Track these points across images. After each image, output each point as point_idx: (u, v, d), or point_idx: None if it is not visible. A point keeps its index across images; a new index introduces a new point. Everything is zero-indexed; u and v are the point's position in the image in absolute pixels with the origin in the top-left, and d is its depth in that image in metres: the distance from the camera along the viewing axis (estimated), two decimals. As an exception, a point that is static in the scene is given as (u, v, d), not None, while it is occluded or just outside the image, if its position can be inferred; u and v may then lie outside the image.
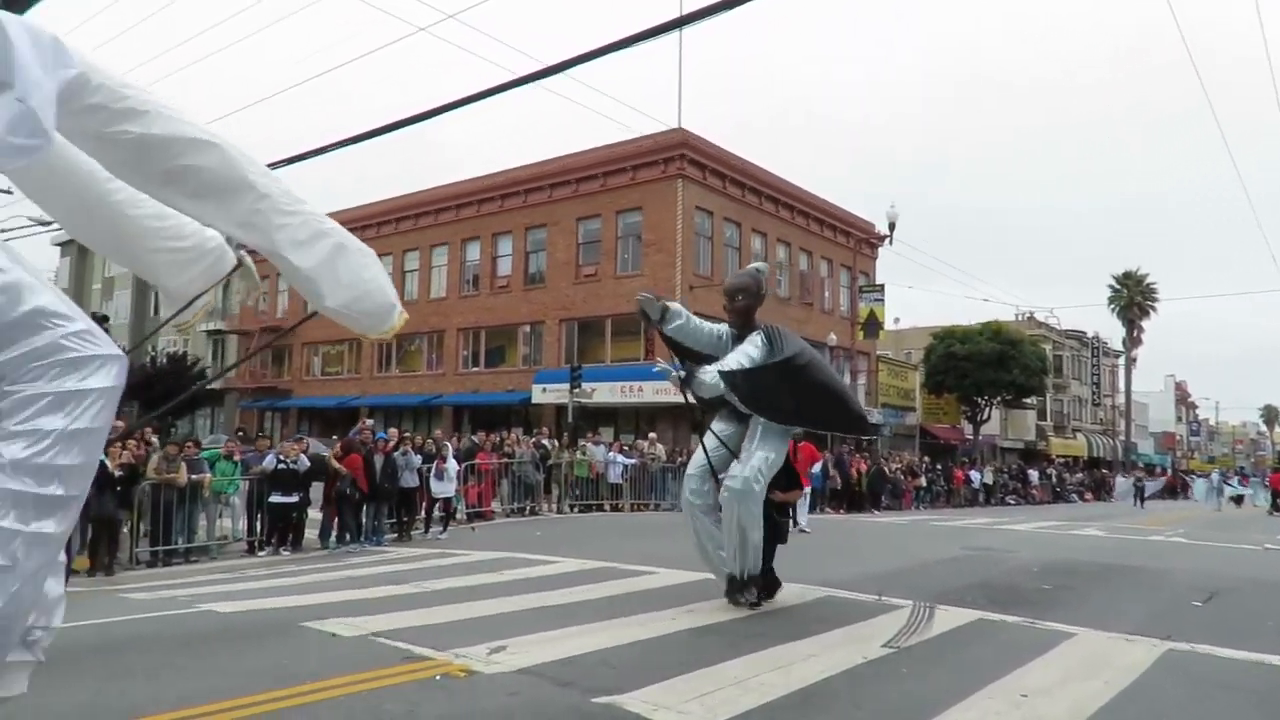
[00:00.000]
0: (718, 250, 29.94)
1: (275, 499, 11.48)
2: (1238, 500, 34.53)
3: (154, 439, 11.78)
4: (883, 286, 36.31)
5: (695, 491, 6.92)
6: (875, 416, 35.31)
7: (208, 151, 3.00)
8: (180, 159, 2.94)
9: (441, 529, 13.51)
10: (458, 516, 14.72)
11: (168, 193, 3.14)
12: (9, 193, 21.30)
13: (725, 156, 30.23)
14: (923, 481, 27.74)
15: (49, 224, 20.07)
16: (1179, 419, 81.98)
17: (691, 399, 6.77)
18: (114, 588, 8.65)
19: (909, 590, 7.62)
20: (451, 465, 13.82)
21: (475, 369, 34.33)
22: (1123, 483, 36.97)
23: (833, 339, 31.89)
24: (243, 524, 12.01)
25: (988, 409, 41.34)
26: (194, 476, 11.00)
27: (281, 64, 43.29)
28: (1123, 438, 55.17)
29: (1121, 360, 55.68)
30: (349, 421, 26.10)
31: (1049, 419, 53.10)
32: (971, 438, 41.92)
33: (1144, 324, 51.42)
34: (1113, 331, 55.17)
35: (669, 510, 17.66)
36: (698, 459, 6.98)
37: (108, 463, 9.61)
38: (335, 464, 11.93)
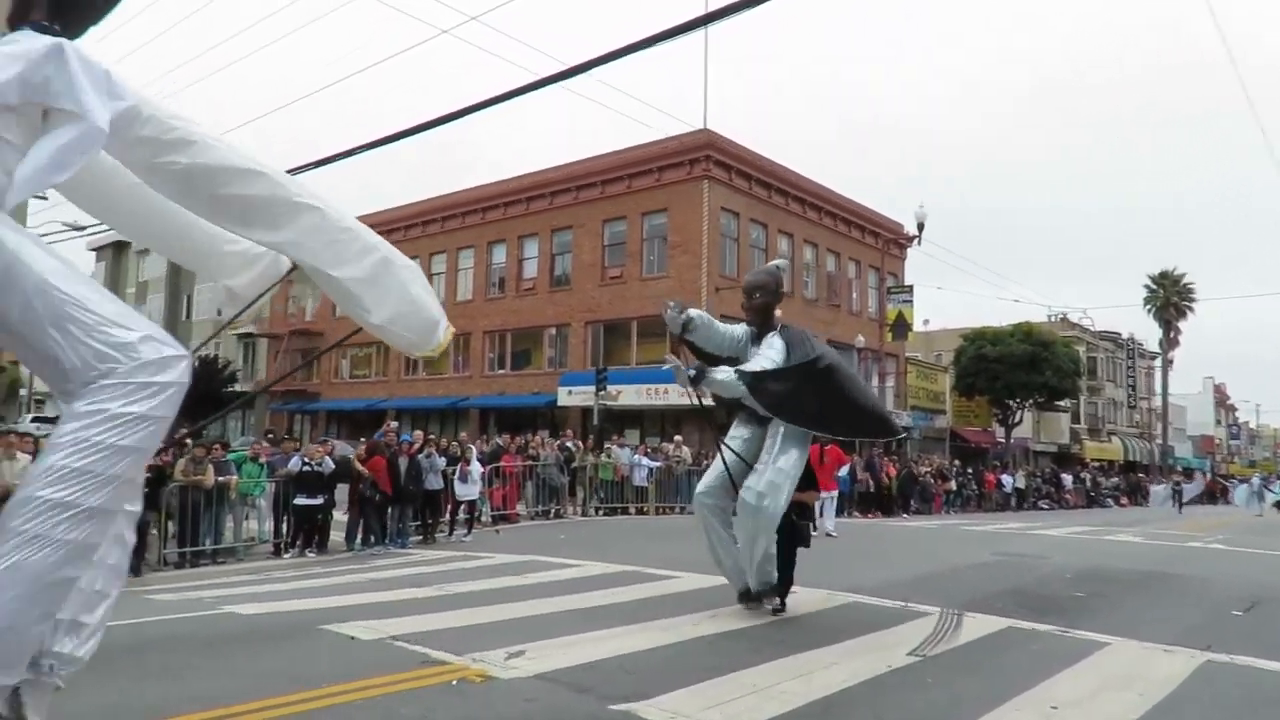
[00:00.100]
0: (744, 252, 29.79)
1: (300, 501, 11.55)
2: (1280, 505, 33.74)
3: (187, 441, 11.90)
4: (911, 288, 35.96)
5: (708, 492, 6.82)
6: (904, 419, 34.94)
7: (254, 180, 3.14)
8: (227, 187, 3.10)
9: (465, 531, 13.53)
10: (482, 519, 14.73)
11: (218, 219, 3.33)
12: (44, 198, 21.73)
13: (751, 157, 30.08)
14: (952, 485, 27.37)
15: (83, 228, 20.43)
16: (1218, 422, 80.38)
17: (702, 400, 6.69)
18: (141, 589, 8.71)
19: (936, 597, 7.48)
20: (475, 468, 13.85)
21: (501, 371, 34.44)
22: (1159, 490, 36.23)
23: (860, 341, 31.58)
24: (269, 526, 12.10)
25: (1019, 412, 40.75)
26: (221, 478, 11.10)
27: (304, 69, 43.82)
28: (1160, 441, 54.17)
29: (1158, 362, 54.69)
30: (376, 424, 26.23)
31: (1083, 422, 52.25)
32: (1003, 441, 41.35)
33: (1181, 325, 50.51)
34: (1148, 333, 54.27)
35: (694, 514, 17.54)
36: (716, 466, 6.90)
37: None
38: (359, 466, 11.98)
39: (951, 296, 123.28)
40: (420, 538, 12.89)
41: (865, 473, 22.22)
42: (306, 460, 11.77)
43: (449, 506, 13.72)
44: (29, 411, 39.90)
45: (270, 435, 17.33)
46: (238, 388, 41.54)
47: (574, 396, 28.98)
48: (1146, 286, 50.79)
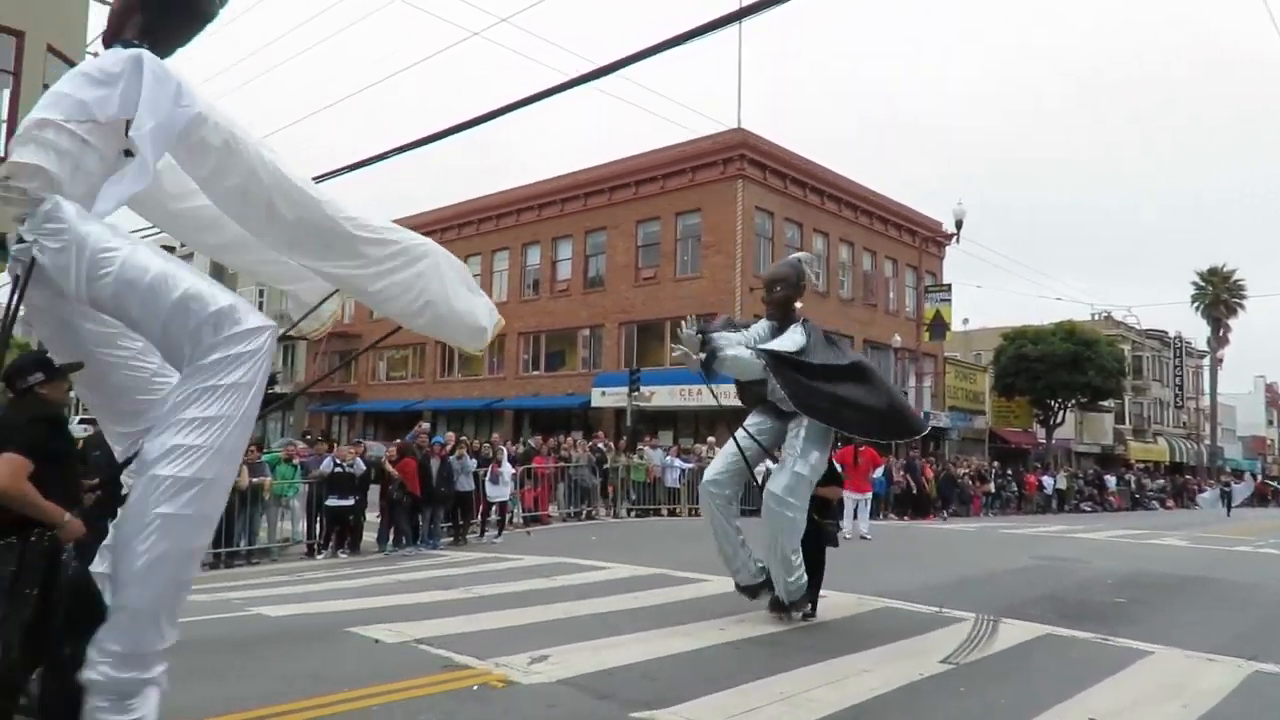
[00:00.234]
0: (778, 251, 29.50)
1: (331, 502, 11.63)
2: (1334, 508, 32.67)
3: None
4: (949, 286, 35.39)
5: (716, 481, 6.69)
6: (942, 420, 34.42)
7: (305, 204, 3.36)
8: (277, 209, 3.33)
9: (496, 533, 13.55)
10: (513, 520, 14.74)
11: (263, 238, 3.56)
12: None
13: (785, 155, 29.82)
14: (991, 487, 26.87)
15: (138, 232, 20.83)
16: (1269, 422, 78.08)
17: (718, 397, 6.59)
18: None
19: (972, 602, 7.31)
20: (506, 469, 13.86)
21: (535, 372, 34.56)
22: (1206, 496, 35.18)
23: (897, 340, 31.16)
24: (302, 526, 12.21)
25: (1061, 412, 39.94)
26: (255, 480, 11.21)
27: (337, 72, 44.37)
28: (1208, 442, 52.77)
29: (1206, 360, 53.28)
30: (412, 425, 26.41)
31: (1128, 422, 51.05)
32: (1044, 442, 40.57)
33: (1231, 322, 49.14)
34: (1196, 330, 52.87)
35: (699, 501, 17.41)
36: (728, 449, 6.75)
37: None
38: (389, 468, 12.04)
39: (992, 295, 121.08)
40: (451, 539, 12.93)
41: (905, 474, 21.90)
42: (338, 461, 11.85)
43: (480, 508, 13.75)
44: (77, 414, 40.89)
45: (307, 436, 17.50)
46: (277, 389, 42.18)
47: (607, 397, 28.96)
48: (1194, 284, 49.47)
